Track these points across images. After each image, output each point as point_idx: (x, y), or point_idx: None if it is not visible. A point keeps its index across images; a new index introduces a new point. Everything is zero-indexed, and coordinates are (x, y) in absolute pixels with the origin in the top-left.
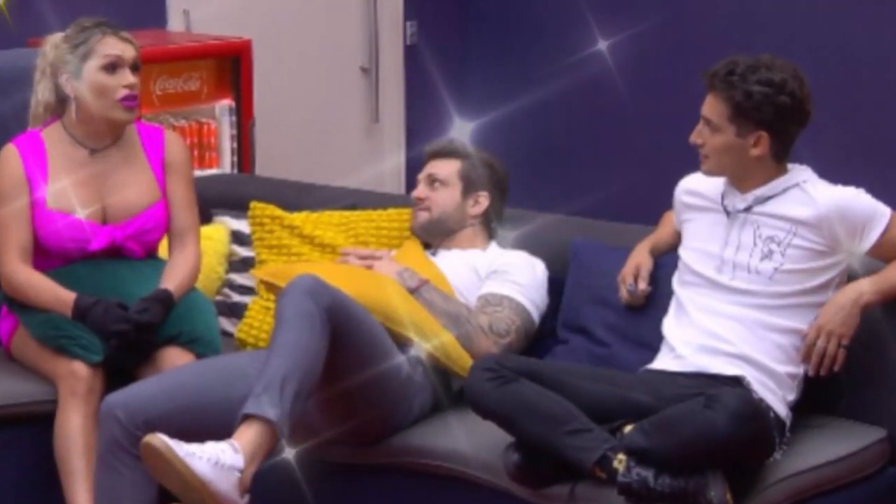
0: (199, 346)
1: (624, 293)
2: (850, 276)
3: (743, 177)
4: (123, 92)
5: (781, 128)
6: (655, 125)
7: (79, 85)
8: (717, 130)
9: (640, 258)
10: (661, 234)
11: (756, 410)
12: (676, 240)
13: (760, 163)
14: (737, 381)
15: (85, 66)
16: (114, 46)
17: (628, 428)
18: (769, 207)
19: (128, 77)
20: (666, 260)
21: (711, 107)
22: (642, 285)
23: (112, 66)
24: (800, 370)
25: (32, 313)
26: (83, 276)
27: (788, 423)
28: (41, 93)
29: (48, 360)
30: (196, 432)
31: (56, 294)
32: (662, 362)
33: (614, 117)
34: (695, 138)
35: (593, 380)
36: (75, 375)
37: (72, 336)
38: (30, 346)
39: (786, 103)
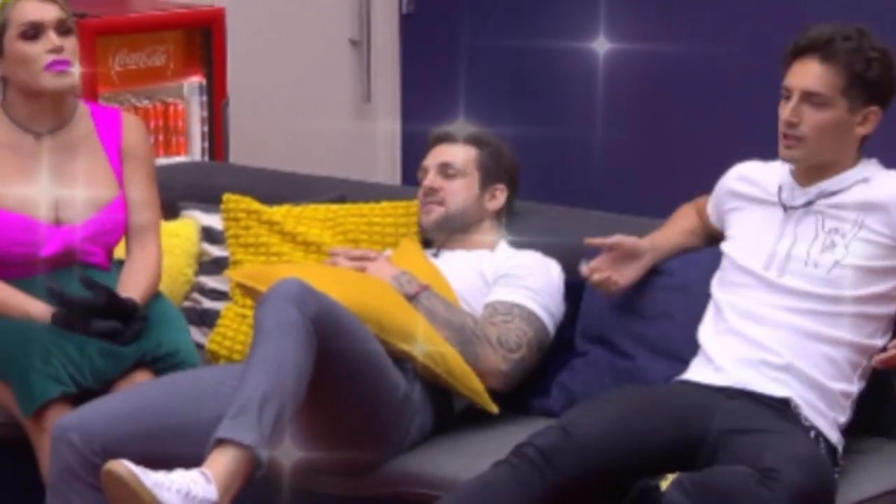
0: (171, 367)
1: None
2: None
3: (829, 164)
4: (48, 58)
5: (888, 103)
6: (687, 105)
7: (4, 62)
8: (824, 105)
9: (622, 238)
10: (668, 230)
11: (823, 484)
12: (686, 241)
13: (854, 146)
14: (784, 404)
15: (4, 39)
16: (30, 11)
17: (666, 483)
18: (833, 200)
19: (52, 41)
20: (700, 258)
21: (819, 78)
22: (585, 270)
23: (32, 33)
24: (854, 388)
25: None
26: (42, 297)
27: (840, 448)
28: None
29: (10, 399)
30: (161, 459)
31: (26, 311)
32: (700, 373)
33: (639, 96)
34: (791, 117)
35: (643, 418)
36: (46, 419)
37: (28, 382)
38: None
39: (894, 76)
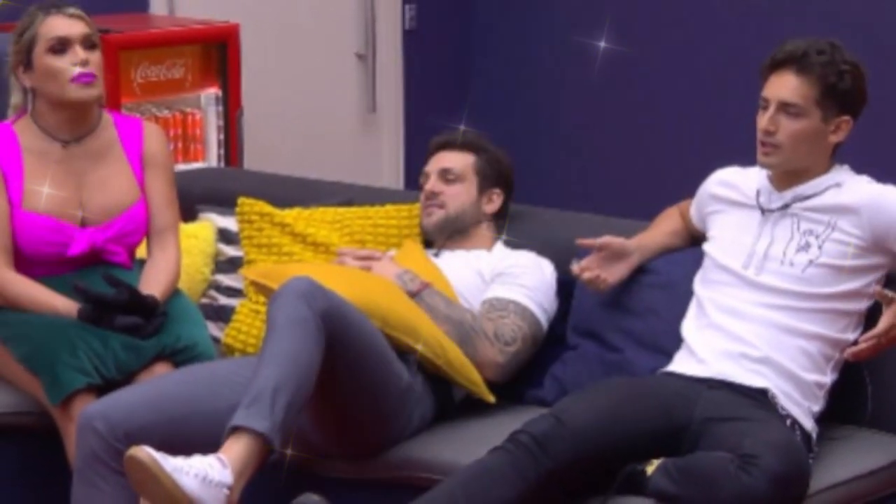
0: (189, 360)
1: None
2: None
3: (804, 170)
4: (75, 71)
5: (859, 112)
6: (674, 114)
7: (34, 75)
8: (799, 115)
9: (611, 238)
10: (654, 232)
11: (799, 469)
12: (670, 241)
13: (828, 153)
14: (762, 394)
15: (33, 53)
16: (58, 27)
17: (652, 467)
18: (808, 204)
19: (78, 54)
20: (683, 258)
21: (795, 89)
22: (576, 269)
23: (59, 48)
24: (827, 379)
25: (17, 340)
26: (68, 294)
27: (814, 435)
28: (14, 95)
29: (39, 390)
30: (180, 445)
31: (54, 307)
32: (683, 365)
33: (629, 105)
34: (769, 125)
35: (633, 411)
36: (72, 408)
37: (56, 374)
38: (16, 369)
39: (864, 88)
